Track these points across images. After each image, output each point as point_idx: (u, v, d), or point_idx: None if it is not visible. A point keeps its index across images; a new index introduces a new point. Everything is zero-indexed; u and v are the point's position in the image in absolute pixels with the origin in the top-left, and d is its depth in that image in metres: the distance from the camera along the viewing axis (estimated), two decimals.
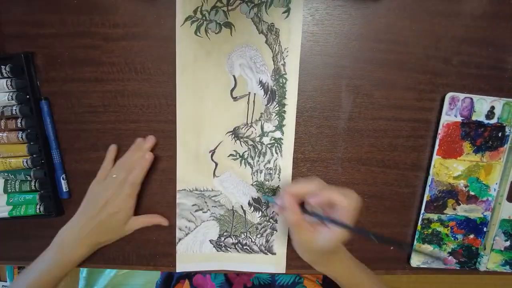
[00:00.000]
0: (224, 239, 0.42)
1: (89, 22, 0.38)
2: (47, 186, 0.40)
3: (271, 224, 0.42)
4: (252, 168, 0.41)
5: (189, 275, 0.52)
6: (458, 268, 0.42)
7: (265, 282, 0.50)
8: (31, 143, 0.39)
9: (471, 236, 0.41)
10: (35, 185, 0.40)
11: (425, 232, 0.41)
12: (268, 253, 0.43)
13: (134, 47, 0.38)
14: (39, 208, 0.41)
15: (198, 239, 0.42)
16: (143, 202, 0.42)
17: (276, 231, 0.42)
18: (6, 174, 0.40)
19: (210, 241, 0.42)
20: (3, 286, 1.19)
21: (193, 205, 0.42)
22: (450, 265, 0.42)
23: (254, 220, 0.42)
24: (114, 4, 0.37)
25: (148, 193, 0.42)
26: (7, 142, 0.39)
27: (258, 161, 0.41)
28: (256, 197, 0.42)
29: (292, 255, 0.43)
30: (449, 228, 0.41)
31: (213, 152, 0.40)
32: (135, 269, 0.44)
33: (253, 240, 0.42)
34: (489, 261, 0.41)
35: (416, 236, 0.41)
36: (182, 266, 0.43)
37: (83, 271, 0.96)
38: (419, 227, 0.41)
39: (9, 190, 0.41)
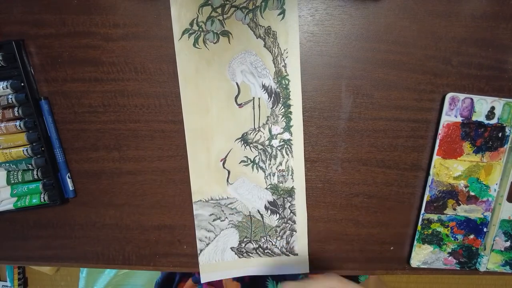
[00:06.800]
0: (245, 245, 0.43)
1: (89, 22, 0.38)
2: (49, 174, 0.40)
3: (289, 226, 0.42)
4: (264, 172, 0.41)
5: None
6: (458, 268, 0.42)
7: None
8: (30, 131, 0.39)
9: (471, 236, 0.41)
10: (37, 174, 0.40)
11: (425, 232, 0.41)
12: (290, 254, 0.43)
13: (134, 47, 0.38)
14: (44, 197, 0.41)
15: (219, 248, 0.43)
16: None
17: (296, 232, 0.42)
18: (7, 164, 0.40)
19: (231, 248, 0.43)
20: (3, 286, 1.19)
21: (210, 214, 0.42)
22: (450, 265, 0.42)
23: (272, 223, 0.42)
24: (114, 4, 0.37)
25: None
26: (5, 132, 0.39)
27: (270, 164, 0.41)
28: (272, 200, 0.42)
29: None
30: (449, 228, 0.41)
31: (224, 160, 0.41)
32: (135, 269, 0.44)
33: (273, 243, 0.43)
34: (489, 262, 0.41)
35: (416, 237, 0.41)
36: (206, 276, 0.43)
37: (83, 271, 0.96)
38: (419, 227, 0.41)
39: (12, 181, 0.41)
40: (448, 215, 0.41)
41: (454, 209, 0.40)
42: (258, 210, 0.42)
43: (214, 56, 0.38)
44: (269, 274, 0.43)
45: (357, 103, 0.39)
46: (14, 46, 0.38)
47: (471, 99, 0.38)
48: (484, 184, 0.40)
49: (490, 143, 0.39)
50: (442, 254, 0.42)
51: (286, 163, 0.41)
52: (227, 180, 0.41)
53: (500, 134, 0.38)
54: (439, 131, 0.38)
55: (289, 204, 0.42)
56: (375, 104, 0.39)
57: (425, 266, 0.42)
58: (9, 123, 0.39)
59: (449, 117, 0.38)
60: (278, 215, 0.42)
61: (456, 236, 0.41)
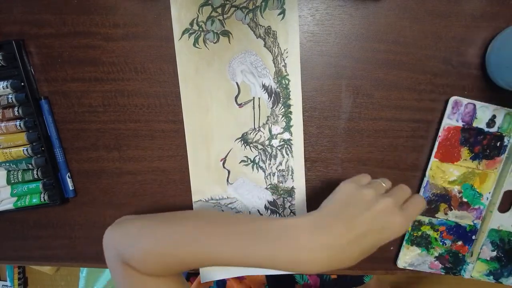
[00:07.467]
0: None
1: (89, 22, 0.38)
2: (49, 173, 0.40)
3: None
4: (264, 172, 0.41)
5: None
6: (442, 273, 0.42)
7: None
8: (30, 131, 0.39)
9: (459, 242, 0.41)
10: (37, 174, 0.40)
11: (414, 234, 0.41)
12: None
13: (134, 47, 0.38)
14: (44, 197, 0.41)
15: None
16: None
17: None
18: (8, 164, 0.40)
19: None
20: (3, 285, 1.19)
21: None
22: (436, 269, 0.42)
23: None
24: (114, 4, 0.37)
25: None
26: (5, 132, 0.39)
27: (270, 164, 0.41)
28: (272, 200, 0.42)
29: None
30: (438, 232, 0.41)
31: (224, 160, 0.41)
32: None
33: None
34: (474, 270, 0.41)
35: (406, 237, 0.41)
36: (206, 275, 0.43)
37: (83, 271, 0.96)
38: (409, 228, 0.41)
39: (12, 181, 0.41)
40: (439, 219, 0.40)
41: (446, 214, 0.40)
42: (258, 210, 0.42)
43: (214, 56, 0.38)
44: (269, 274, 0.43)
45: (357, 103, 0.39)
46: (14, 46, 0.38)
47: (474, 104, 0.37)
48: (478, 192, 0.39)
49: (488, 151, 0.38)
50: (429, 257, 0.41)
51: (286, 163, 0.41)
52: (227, 180, 0.41)
53: (498, 143, 0.38)
54: (439, 134, 0.38)
55: (289, 204, 0.42)
56: (375, 104, 0.39)
57: (411, 268, 0.42)
58: (9, 122, 0.39)
59: (451, 120, 0.38)
60: (278, 215, 0.42)
61: (445, 241, 0.41)
